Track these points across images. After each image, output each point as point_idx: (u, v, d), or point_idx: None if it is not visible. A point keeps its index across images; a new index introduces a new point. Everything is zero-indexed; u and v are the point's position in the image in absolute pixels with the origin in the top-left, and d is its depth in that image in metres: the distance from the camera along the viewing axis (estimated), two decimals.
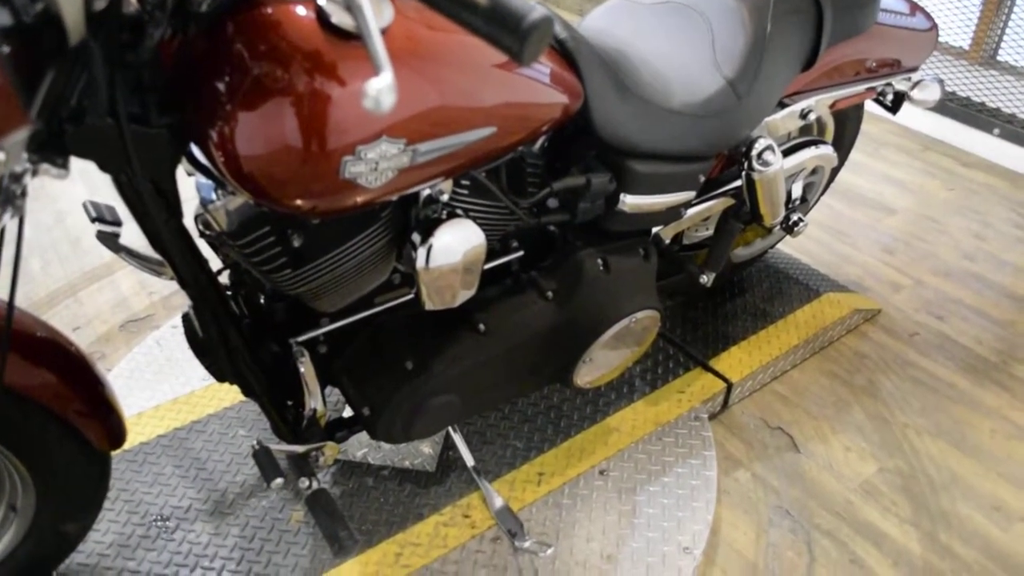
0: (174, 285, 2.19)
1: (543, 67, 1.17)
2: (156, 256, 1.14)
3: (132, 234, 1.23)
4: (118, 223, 1.26)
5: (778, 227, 1.83)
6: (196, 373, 1.85)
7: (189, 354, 1.73)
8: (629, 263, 1.53)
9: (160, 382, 1.84)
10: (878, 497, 1.73)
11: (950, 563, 1.60)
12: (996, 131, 3.04)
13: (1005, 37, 3.17)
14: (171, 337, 1.98)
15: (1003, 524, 1.68)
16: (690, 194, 1.53)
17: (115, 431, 1.27)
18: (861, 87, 1.83)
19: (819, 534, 1.65)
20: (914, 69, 1.91)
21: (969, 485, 1.77)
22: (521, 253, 1.47)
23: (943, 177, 2.95)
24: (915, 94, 1.89)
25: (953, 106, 3.14)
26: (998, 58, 3.19)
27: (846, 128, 2.10)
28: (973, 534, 1.66)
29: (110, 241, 1.25)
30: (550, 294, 1.44)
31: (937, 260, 2.49)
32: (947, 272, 2.44)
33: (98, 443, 1.25)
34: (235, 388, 1.32)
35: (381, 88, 0.74)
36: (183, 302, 2.16)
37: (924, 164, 3.03)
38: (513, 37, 0.75)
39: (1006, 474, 1.79)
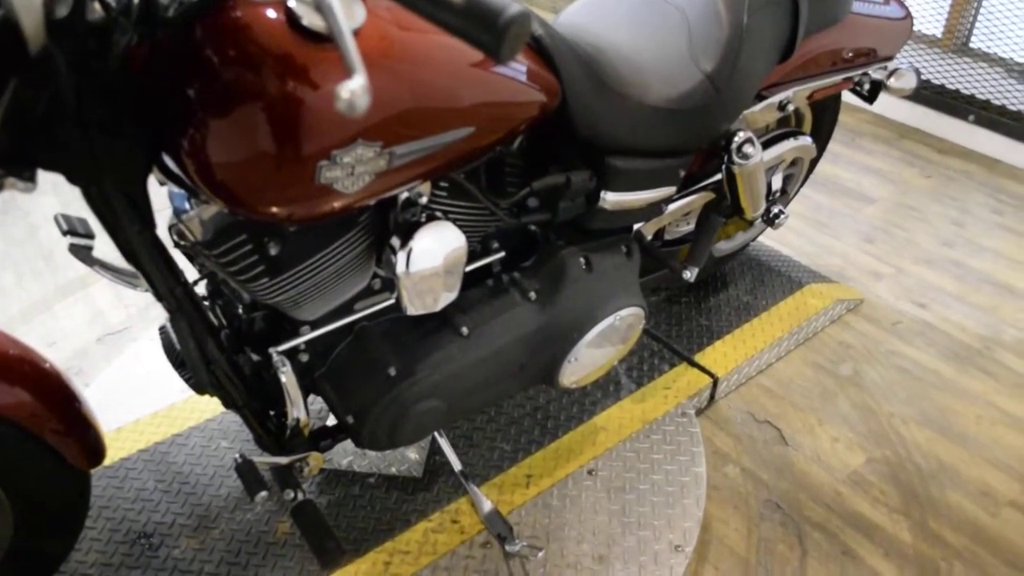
0: (151, 297, 2.16)
1: (519, 65, 1.15)
2: (130, 268, 1.11)
3: (106, 246, 1.21)
4: (91, 236, 1.24)
5: (759, 220, 1.83)
6: (176, 386, 1.82)
7: (168, 367, 1.70)
8: (612, 261, 1.52)
9: (139, 396, 1.81)
10: (867, 487, 1.73)
11: (941, 551, 1.60)
12: (971, 117, 3.05)
13: (977, 24, 3.19)
14: (149, 350, 1.95)
15: (992, 510, 1.69)
16: (671, 189, 1.52)
17: (93, 448, 1.24)
18: (838, 77, 1.82)
19: (810, 527, 1.64)
20: (890, 58, 1.91)
21: (957, 472, 1.77)
22: (503, 254, 1.45)
23: (920, 165, 2.96)
24: (892, 83, 1.89)
25: (928, 94, 3.15)
26: (970, 45, 3.21)
27: (824, 118, 2.10)
28: (963, 521, 1.66)
29: (83, 254, 1.23)
30: (533, 295, 1.43)
31: (917, 248, 2.50)
32: (927, 259, 2.45)
33: (76, 461, 1.23)
34: (216, 400, 1.30)
35: (354, 90, 0.72)
36: (161, 314, 2.12)
37: (901, 152, 3.04)
38: (490, 34, 0.73)
39: (993, 460, 1.80)
